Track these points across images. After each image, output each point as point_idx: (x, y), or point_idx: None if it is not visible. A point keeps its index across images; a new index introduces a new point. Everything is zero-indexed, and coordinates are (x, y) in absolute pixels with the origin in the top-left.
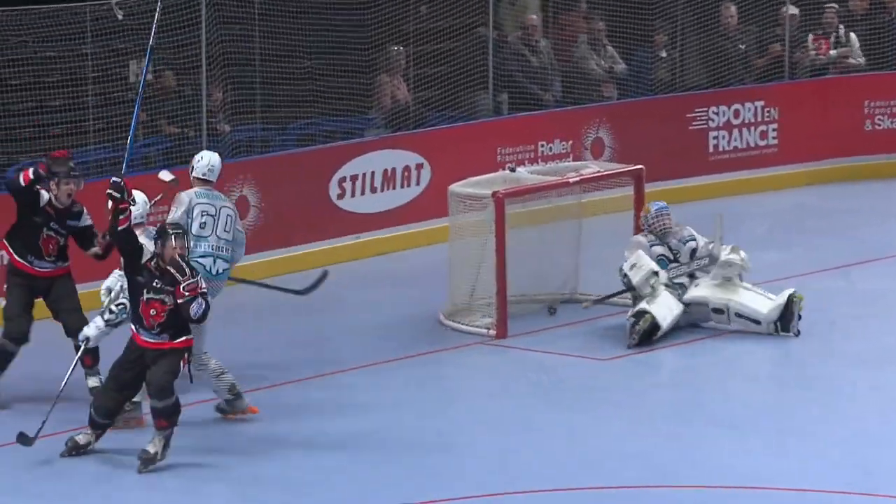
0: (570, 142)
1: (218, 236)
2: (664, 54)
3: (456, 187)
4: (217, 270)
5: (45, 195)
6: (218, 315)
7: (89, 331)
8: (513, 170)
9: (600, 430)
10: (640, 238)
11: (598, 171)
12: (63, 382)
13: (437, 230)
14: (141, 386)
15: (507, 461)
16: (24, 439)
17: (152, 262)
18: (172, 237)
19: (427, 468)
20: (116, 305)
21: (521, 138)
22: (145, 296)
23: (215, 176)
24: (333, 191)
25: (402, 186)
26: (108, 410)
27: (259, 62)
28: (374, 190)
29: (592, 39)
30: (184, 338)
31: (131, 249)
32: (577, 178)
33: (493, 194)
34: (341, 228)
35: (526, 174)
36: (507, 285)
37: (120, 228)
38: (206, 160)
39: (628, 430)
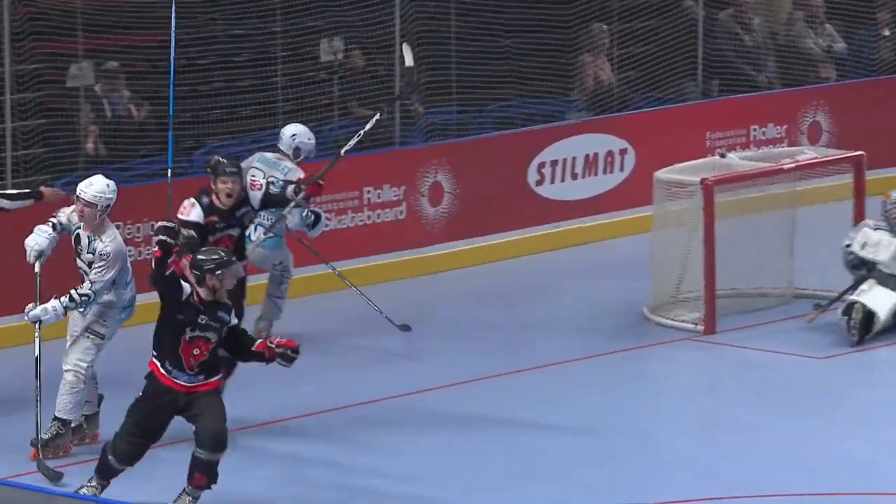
0: (785, 126)
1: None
2: (887, 32)
3: (662, 174)
4: (257, 236)
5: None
6: (409, 305)
7: (46, 316)
8: (723, 155)
9: (817, 433)
10: (868, 221)
11: (815, 158)
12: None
13: (640, 219)
14: (165, 431)
15: (716, 465)
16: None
17: (194, 297)
18: (231, 267)
19: (631, 471)
20: (81, 296)
21: (733, 122)
22: (188, 334)
23: (285, 146)
24: (532, 177)
25: (604, 172)
26: (132, 456)
27: (455, 41)
28: (574, 176)
29: (809, 17)
30: (218, 376)
31: (175, 291)
32: (792, 165)
33: (702, 181)
34: (540, 216)
35: (737, 160)
36: (715, 278)
37: (168, 273)
38: (282, 130)
39: (847, 433)
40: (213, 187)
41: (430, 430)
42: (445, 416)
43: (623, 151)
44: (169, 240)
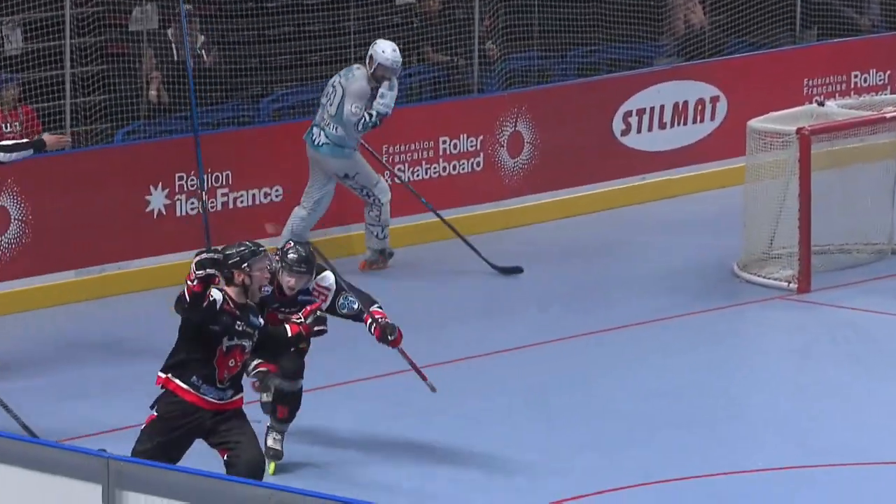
0: (888, 72)
1: (326, 108)
2: None
3: (755, 123)
4: (318, 142)
5: None
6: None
7: None
8: (821, 103)
9: None
10: None
11: None
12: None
13: (732, 171)
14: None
15: (810, 431)
16: None
17: (228, 303)
18: (262, 257)
19: (719, 437)
20: None
21: (832, 68)
22: (226, 344)
23: (367, 58)
24: (617, 126)
25: (694, 122)
26: None
27: None
28: (662, 125)
29: None
30: (242, 393)
31: (212, 310)
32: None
33: (798, 131)
34: (625, 168)
35: (836, 109)
36: (811, 233)
37: (205, 305)
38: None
39: None
40: (279, 275)
41: (507, 392)
42: (524, 379)
43: (714, 99)
44: (216, 274)
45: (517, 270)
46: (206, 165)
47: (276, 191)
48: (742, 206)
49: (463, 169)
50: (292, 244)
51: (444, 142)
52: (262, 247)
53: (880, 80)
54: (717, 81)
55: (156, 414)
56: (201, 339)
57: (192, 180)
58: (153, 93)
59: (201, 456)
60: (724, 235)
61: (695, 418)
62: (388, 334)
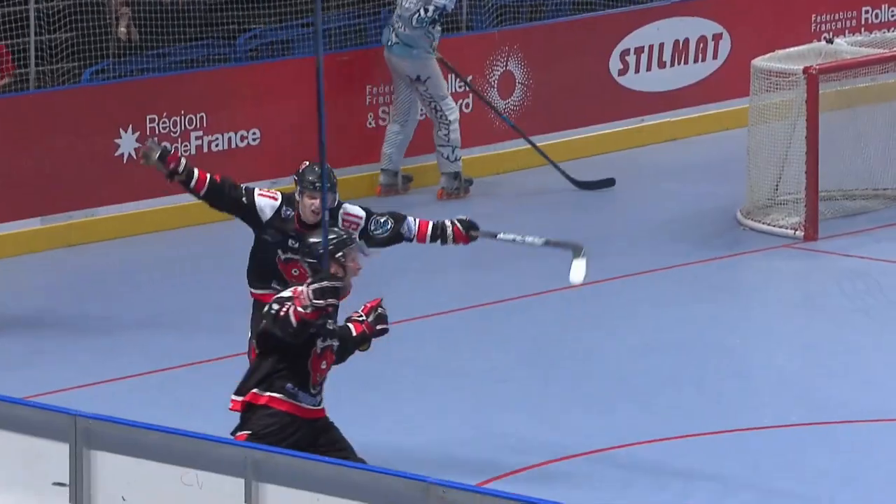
0: None
1: (397, 8)
2: None
3: (760, 62)
4: (390, 42)
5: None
6: (473, 208)
7: None
8: (830, 41)
9: None
10: None
11: None
12: None
13: (735, 112)
14: None
15: (816, 386)
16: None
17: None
18: (356, 247)
19: (720, 393)
20: None
21: (841, 3)
22: (319, 346)
23: None
24: (614, 66)
25: (695, 61)
26: None
27: None
28: (662, 65)
29: None
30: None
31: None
32: None
33: (805, 70)
34: (623, 110)
35: (845, 46)
36: (818, 178)
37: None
38: None
39: None
40: (298, 199)
41: (501, 347)
42: (515, 333)
43: (717, 37)
44: (336, 304)
45: (608, 184)
46: (181, 108)
47: (254, 134)
48: (746, 150)
49: None
50: (307, 163)
51: None
52: (353, 235)
53: (892, 16)
54: (719, 18)
55: (248, 433)
56: (292, 347)
57: (164, 121)
58: (122, 30)
59: (178, 413)
60: (727, 181)
61: (696, 373)
62: (472, 230)
